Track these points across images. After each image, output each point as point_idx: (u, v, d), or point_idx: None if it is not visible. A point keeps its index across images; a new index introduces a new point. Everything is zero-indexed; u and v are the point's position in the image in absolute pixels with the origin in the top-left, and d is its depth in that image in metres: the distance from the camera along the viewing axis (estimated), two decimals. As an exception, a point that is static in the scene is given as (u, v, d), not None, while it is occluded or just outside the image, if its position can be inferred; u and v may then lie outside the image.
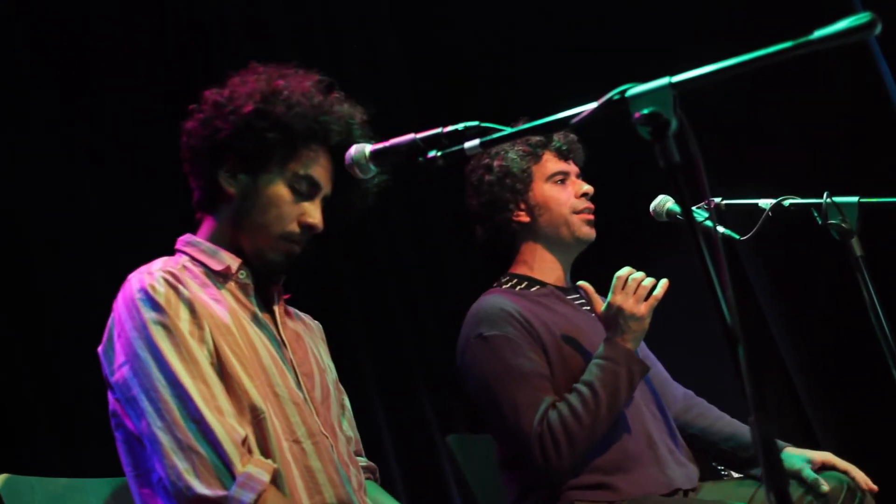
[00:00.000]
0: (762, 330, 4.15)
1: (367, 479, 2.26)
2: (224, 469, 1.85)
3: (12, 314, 3.09)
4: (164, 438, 1.87)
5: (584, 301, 2.87)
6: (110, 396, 2.01)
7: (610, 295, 2.60)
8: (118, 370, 1.96)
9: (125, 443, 2.00)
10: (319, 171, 2.13)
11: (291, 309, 2.27)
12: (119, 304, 2.00)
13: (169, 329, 1.93)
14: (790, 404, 4.16)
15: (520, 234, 2.88)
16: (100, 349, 2.02)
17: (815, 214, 2.42)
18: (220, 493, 1.84)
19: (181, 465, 1.85)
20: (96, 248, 3.30)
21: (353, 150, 1.89)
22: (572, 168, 2.89)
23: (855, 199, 2.40)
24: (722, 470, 3.43)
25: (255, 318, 2.09)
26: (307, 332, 2.26)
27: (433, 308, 4.24)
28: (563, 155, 2.88)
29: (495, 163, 2.85)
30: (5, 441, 2.97)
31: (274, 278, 2.16)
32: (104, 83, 3.46)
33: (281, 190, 2.10)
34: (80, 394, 3.08)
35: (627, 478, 2.58)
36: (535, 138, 2.82)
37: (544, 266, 2.87)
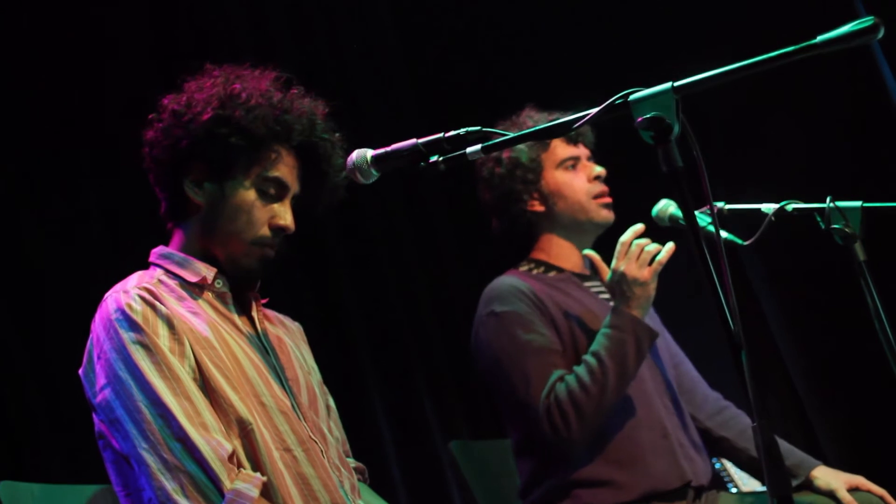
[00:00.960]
0: (765, 335, 4.14)
1: (357, 480, 2.25)
2: (212, 487, 1.84)
3: (12, 318, 3.08)
4: (151, 459, 1.86)
5: (601, 289, 2.87)
6: (95, 418, 1.99)
7: (613, 261, 2.58)
8: (100, 392, 1.94)
9: (114, 463, 1.97)
10: (285, 170, 2.10)
11: (271, 312, 2.25)
12: (97, 325, 1.98)
13: (148, 348, 1.91)
14: (793, 410, 4.15)
15: (536, 223, 2.87)
16: (80, 371, 2.01)
17: (818, 219, 2.41)
18: None
19: (169, 485, 1.84)
20: (98, 251, 3.30)
21: (355, 154, 1.89)
22: (582, 151, 2.88)
23: (858, 203, 2.38)
24: (726, 479, 3.43)
25: (235, 327, 2.07)
26: (288, 335, 2.23)
27: (436, 312, 4.23)
28: (571, 139, 2.87)
29: (504, 155, 2.84)
30: (5, 447, 2.96)
31: (250, 284, 2.13)
32: (104, 84, 3.46)
33: (248, 195, 2.07)
34: (80, 399, 3.06)
35: (640, 470, 2.58)
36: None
37: (562, 253, 2.86)
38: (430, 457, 3.95)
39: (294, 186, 2.13)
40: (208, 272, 2.07)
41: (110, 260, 3.26)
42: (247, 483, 1.86)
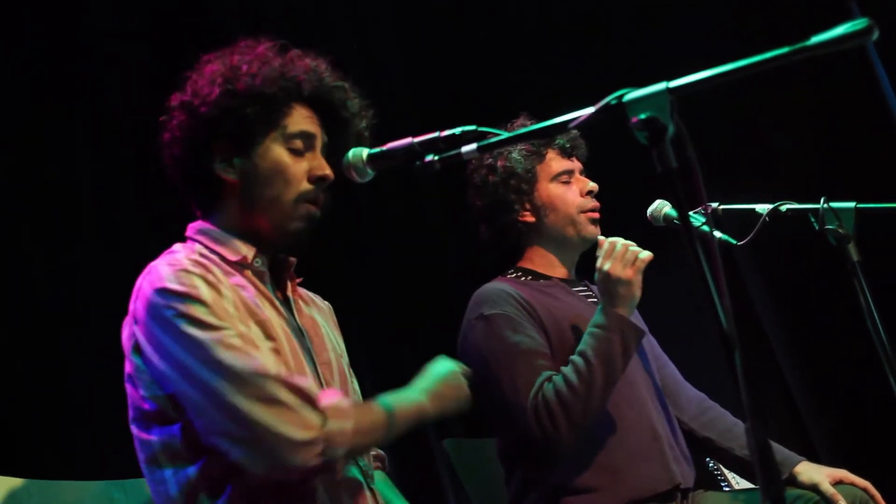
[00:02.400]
0: (759, 335, 4.15)
1: (375, 468, 2.24)
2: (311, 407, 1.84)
3: (10, 317, 3.09)
4: (239, 401, 1.81)
5: (590, 293, 2.88)
6: (132, 396, 1.95)
7: (598, 261, 2.60)
8: (158, 378, 1.90)
9: (147, 456, 1.94)
10: (305, 122, 2.10)
11: (303, 291, 2.24)
12: (140, 304, 1.93)
13: (199, 321, 1.86)
14: (787, 410, 4.16)
15: (525, 234, 2.88)
16: (126, 349, 1.97)
17: (812, 220, 2.42)
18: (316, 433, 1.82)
19: (267, 417, 1.80)
20: (96, 251, 3.30)
21: (351, 154, 1.89)
22: (576, 165, 2.89)
23: (852, 204, 2.39)
24: (720, 478, 3.44)
25: (274, 308, 2.05)
26: (321, 315, 2.22)
27: (431, 311, 4.24)
28: (566, 153, 2.88)
29: (499, 163, 2.84)
30: (2, 444, 2.97)
31: (300, 250, 2.11)
32: (103, 82, 3.47)
33: (279, 155, 2.06)
34: (77, 396, 3.08)
35: (629, 474, 2.58)
36: None
37: (548, 263, 2.87)
38: (424, 455, 3.96)
39: (320, 136, 2.12)
40: (248, 251, 2.06)
41: (105, 258, 3.27)
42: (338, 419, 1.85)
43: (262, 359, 1.84)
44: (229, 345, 1.84)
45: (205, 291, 1.88)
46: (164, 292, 1.89)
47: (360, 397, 2.26)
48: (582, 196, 2.84)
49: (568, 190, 2.84)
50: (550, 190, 2.84)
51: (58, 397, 3.08)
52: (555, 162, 2.86)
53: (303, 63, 2.11)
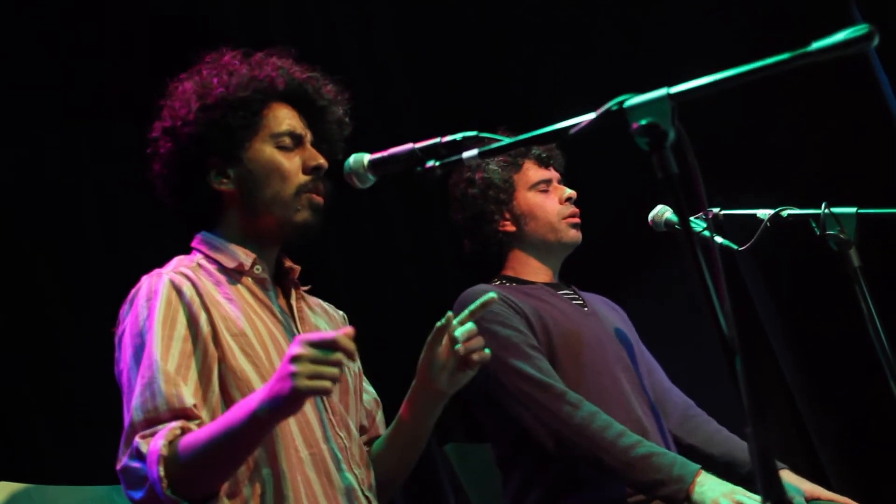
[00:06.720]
0: (761, 341, 4.14)
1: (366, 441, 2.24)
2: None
3: (10, 318, 3.08)
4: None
5: (575, 296, 2.89)
6: None
7: None
8: (117, 374, 1.98)
9: None
10: (290, 121, 2.13)
11: (313, 300, 2.25)
12: (125, 306, 2.00)
13: (160, 330, 1.93)
14: (789, 415, 4.15)
15: (506, 243, 2.91)
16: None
17: (814, 225, 2.42)
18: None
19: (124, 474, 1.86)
20: (96, 252, 3.30)
21: (352, 159, 1.90)
22: (553, 174, 2.93)
23: (853, 209, 2.40)
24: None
25: (272, 315, 2.07)
26: (330, 324, 2.23)
27: (430, 315, 4.22)
28: (543, 162, 2.92)
29: (477, 175, 2.88)
30: (2, 448, 2.97)
31: (311, 236, 2.12)
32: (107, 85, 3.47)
33: (270, 154, 2.09)
34: (77, 400, 3.08)
35: None
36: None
37: (531, 270, 2.90)
38: (425, 460, 3.95)
39: (306, 132, 2.15)
40: (246, 258, 2.08)
41: (107, 260, 3.26)
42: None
43: (139, 410, 1.86)
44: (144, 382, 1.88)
45: (159, 316, 1.92)
46: (130, 304, 1.99)
47: (373, 395, 2.27)
48: (561, 203, 2.86)
49: (547, 198, 2.88)
50: (529, 199, 2.87)
51: (58, 401, 3.08)
52: (532, 171, 2.90)
53: (270, 62, 2.15)
